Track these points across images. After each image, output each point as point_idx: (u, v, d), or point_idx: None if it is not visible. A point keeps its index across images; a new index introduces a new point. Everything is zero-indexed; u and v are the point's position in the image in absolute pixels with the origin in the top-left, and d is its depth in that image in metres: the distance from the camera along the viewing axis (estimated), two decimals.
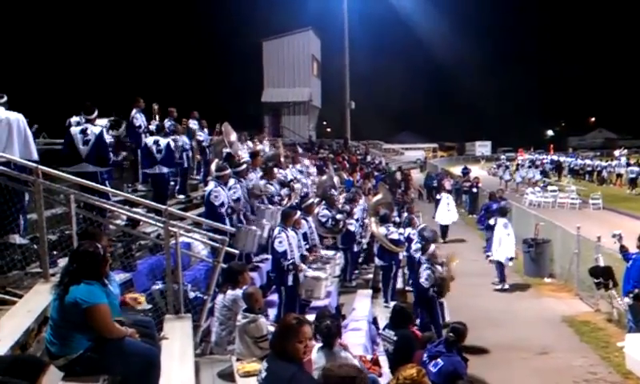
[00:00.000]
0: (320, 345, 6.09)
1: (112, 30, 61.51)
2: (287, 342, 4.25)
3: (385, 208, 13.52)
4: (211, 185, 10.43)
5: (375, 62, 75.21)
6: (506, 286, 14.99)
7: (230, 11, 68.48)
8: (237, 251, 8.54)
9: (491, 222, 16.61)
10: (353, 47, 46.71)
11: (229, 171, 10.73)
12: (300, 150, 24.84)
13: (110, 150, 9.10)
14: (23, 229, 7.15)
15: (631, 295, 9.96)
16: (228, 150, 13.02)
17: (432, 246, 10.81)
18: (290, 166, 16.16)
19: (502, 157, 56.27)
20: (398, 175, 31.73)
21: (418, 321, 9.99)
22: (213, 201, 10.08)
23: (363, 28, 52.55)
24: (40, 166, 6.65)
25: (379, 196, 15.06)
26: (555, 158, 54.07)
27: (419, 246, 11.49)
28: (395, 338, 7.70)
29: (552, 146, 67.00)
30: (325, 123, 61.46)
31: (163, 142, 11.58)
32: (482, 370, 9.33)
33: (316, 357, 5.92)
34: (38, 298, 5.66)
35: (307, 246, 10.42)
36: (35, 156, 7.26)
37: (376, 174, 29.90)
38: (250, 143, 17.00)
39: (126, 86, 38.59)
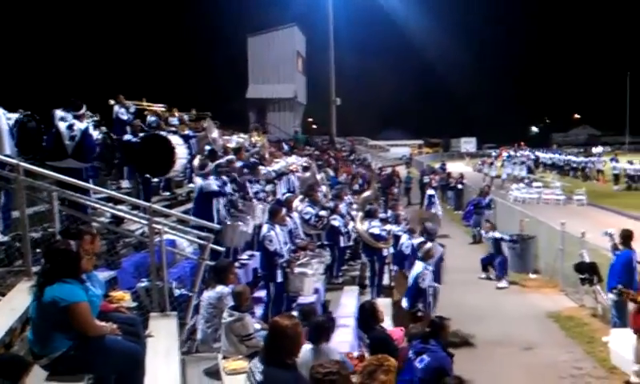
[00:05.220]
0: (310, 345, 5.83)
1: (94, 24, 61.02)
2: (282, 345, 4.19)
3: (372, 204, 13.51)
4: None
5: (361, 58, 75.11)
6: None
7: (215, 6, 68.04)
8: (222, 248, 8.48)
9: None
10: (338, 43, 46.81)
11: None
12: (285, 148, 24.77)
13: (96, 144, 8.94)
14: (4, 226, 7.05)
15: (615, 291, 10.02)
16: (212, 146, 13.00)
17: (428, 244, 10.80)
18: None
19: (493, 153, 56.59)
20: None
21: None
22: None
23: (348, 24, 52.48)
24: (22, 163, 6.54)
25: (368, 192, 15.07)
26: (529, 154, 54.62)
27: (410, 242, 11.47)
28: (368, 341, 7.56)
29: (522, 143, 67.78)
30: (310, 120, 61.34)
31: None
32: (468, 365, 9.28)
33: (302, 355, 5.73)
34: (22, 296, 5.55)
35: (293, 244, 10.40)
36: (7, 151, 7.13)
37: (363, 171, 29.90)
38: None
39: (108, 81, 38.26)
